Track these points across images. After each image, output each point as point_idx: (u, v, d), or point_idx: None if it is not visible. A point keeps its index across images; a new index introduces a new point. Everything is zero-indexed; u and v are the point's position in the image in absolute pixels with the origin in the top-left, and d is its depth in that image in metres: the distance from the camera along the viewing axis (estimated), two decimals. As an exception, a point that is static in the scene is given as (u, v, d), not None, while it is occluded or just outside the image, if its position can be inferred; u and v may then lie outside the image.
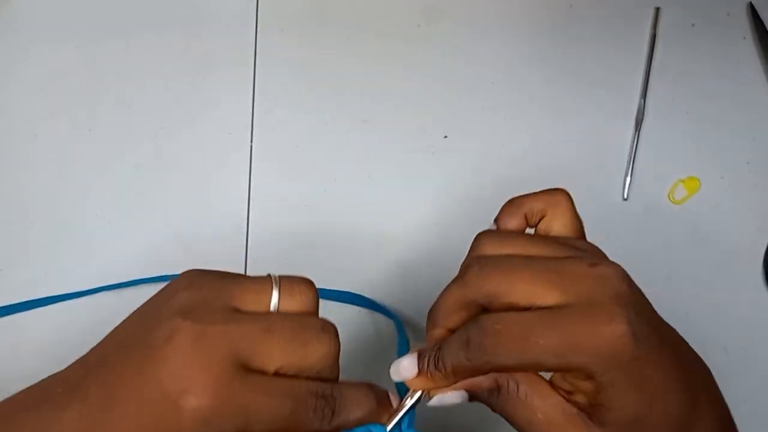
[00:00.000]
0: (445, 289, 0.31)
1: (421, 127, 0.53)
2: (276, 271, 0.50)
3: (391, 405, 0.31)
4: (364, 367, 0.49)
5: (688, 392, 0.28)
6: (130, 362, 0.29)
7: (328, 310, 0.49)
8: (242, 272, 0.50)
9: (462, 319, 0.30)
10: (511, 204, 0.34)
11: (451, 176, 0.52)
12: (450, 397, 0.30)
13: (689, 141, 0.52)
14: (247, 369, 0.28)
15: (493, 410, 0.30)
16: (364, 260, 0.50)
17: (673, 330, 0.31)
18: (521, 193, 0.35)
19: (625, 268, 0.50)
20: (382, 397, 0.31)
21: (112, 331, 0.33)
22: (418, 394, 0.31)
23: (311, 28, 0.55)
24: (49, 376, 0.32)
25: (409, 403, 0.31)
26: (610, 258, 0.50)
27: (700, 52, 0.54)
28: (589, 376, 0.27)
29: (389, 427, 0.30)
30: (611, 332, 0.27)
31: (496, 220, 0.34)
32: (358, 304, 0.49)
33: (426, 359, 0.30)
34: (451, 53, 0.54)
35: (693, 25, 0.54)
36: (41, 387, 0.31)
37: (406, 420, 0.31)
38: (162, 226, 0.51)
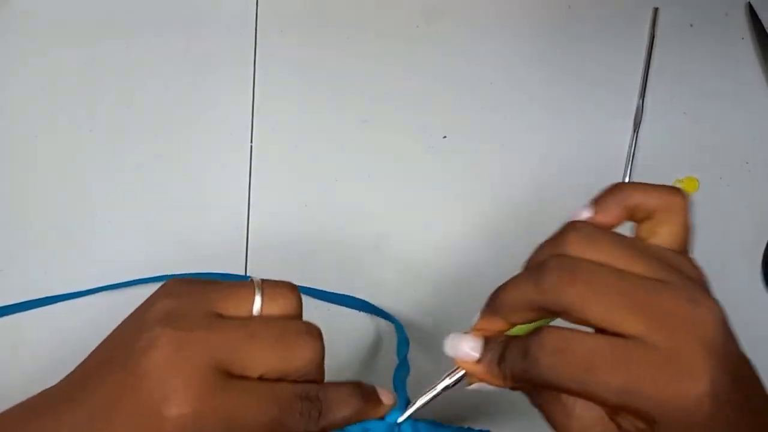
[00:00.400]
0: (515, 280, 0.29)
1: (421, 127, 0.53)
2: (276, 271, 0.50)
3: (380, 401, 0.31)
4: (364, 368, 0.49)
5: None
6: (112, 372, 0.29)
7: (328, 310, 0.49)
8: (242, 272, 0.50)
9: (527, 319, 0.28)
10: (618, 191, 0.30)
11: (451, 176, 0.52)
12: (490, 385, 0.29)
13: (688, 141, 0.52)
14: (229, 375, 0.28)
15: (531, 402, 0.29)
16: (364, 260, 0.50)
17: (764, 391, 0.28)
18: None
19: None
20: (370, 393, 0.31)
21: (98, 345, 0.33)
22: (460, 374, 0.30)
23: (311, 28, 0.55)
24: (37, 394, 0.32)
25: (447, 381, 0.30)
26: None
27: (699, 53, 0.54)
28: (649, 422, 0.25)
29: (424, 400, 0.30)
30: (690, 390, 0.24)
31: (594, 203, 0.30)
32: (355, 308, 0.49)
33: (490, 353, 0.28)
34: (451, 53, 0.54)
35: (692, 25, 0.54)
36: (28, 405, 0.31)
37: (403, 404, 0.31)
38: (162, 226, 0.51)
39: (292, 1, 0.55)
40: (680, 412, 0.24)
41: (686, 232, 0.30)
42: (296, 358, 0.29)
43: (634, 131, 0.52)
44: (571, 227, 0.28)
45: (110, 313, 0.50)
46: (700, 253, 0.50)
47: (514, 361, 0.27)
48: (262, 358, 0.28)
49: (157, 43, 0.54)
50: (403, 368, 0.38)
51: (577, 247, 0.27)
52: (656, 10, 0.54)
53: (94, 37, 0.55)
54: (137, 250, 0.51)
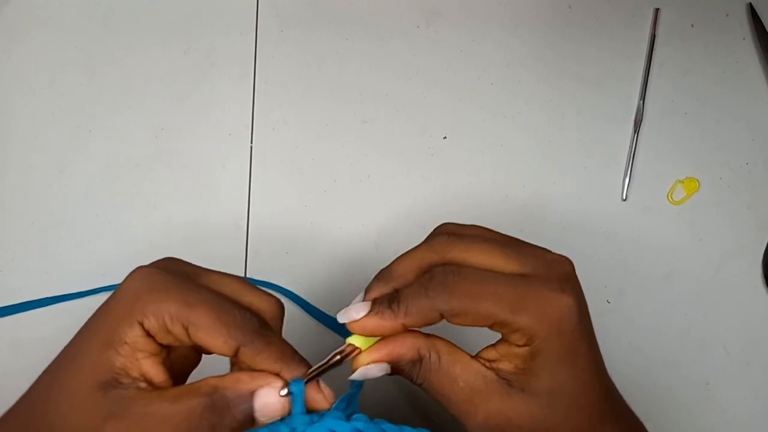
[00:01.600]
0: (408, 252, 0.32)
1: (421, 127, 0.53)
2: (276, 271, 0.50)
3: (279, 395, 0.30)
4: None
5: (605, 388, 0.31)
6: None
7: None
8: (242, 273, 0.50)
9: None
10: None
11: (451, 176, 0.52)
12: (373, 369, 0.31)
13: (688, 141, 0.52)
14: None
15: (414, 382, 0.31)
16: (363, 260, 0.50)
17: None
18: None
19: (624, 268, 0.50)
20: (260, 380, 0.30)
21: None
22: (347, 348, 0.31)
23: (311, 29, 0.55)
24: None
25: (334, 358, 0.31)
26: (611, 256, 0.50)
27: (700, 53, 0.54)
28: (530, 339, 0.29)
29: (307, 378, 0.30)
30: (561, 301, 0.29)
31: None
32: (326, 324, 0.50)
33: (380, 300, 0.30)
34: (451, 53, 0.54)
35: (692, 25, 0.54)
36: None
37: (351, 401, 0.31)
38: (162, 226, 0.51)
39: (292, 1, 0.55)
40: (555, 322, 0.29)
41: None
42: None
43: (635, 131, 0.52)
44: (440, 227, 0.34)
45: (110, 313, 0.50)
46: (701, 253, 0.50)
47: (413, 293, 0.30)
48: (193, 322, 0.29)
49: (157, 43, 0.54)
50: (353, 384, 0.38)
51: (448, 229, 0.33)
52: (657, 10, 0.54)
53: (94, 37, 0.55)
54: (137, 250, 0.51)
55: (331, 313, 0.50)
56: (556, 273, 0.30)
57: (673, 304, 0.50)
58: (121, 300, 0.30)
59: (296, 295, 0.50)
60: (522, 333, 0.29)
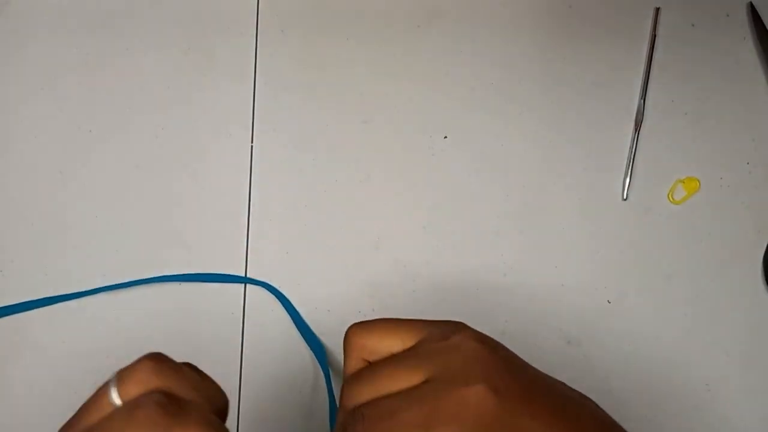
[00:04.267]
0: (335, 423, 0.32)
1: (421, 127, 0.53)
2: (276, 271, 0.50)
3: None
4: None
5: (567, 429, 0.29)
6: None
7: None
8: (242, 273, 0.50)
9: None
10: None
11: (451, 176, 0.52)
12: None
13: (689, 141, 0.52)
14: None
15: None
16: (363, 260, 0.50)
17: (544, 374, 0.32)
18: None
19: (625, 269, 0.50)
20: None
21: None
22: None
23: (312, 28, 0.55)
24: None
25: None
26: (610, 257, 0.50)
27: (700, 53, 0.54)
28: None
29: None
30: (472, 394, 0.28)
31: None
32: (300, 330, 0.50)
33: None
34: (451, 53, 0.54)
35: (693, 25, 0.54)
36: None
37: None
38: (162, 226, 0.51)
39: (292, 1, 0.55)
40: (475, 418, 0.27)
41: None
42: None
43: (635, 131, 0.52)
44: (349, 333, 0.33)
45: (110, 313, 0.50)
46: (701, 253, 0.50)
47: None
48: None
49: (157, 42, 0.54)
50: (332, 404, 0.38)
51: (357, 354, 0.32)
52: (657, 10, 0.54)
53: (94, 37, 0.55)
54: (137, 250, 0.51)
55: (325, 318, 0.50)
56: (459, 361, 0.29)
57: (674, 304, 0.49)
58: None
59: (289, 302, 0.50)
60: None
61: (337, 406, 0.32)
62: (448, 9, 0.55)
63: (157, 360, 0.28)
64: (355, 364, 0.32)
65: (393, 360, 0.31)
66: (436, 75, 0.54)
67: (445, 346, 0.30)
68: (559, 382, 0.32)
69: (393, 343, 0.31)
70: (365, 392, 0.30)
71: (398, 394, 0.29)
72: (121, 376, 0.27)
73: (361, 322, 0.33)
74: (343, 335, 0.33)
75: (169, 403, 0.26)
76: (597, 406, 0.32)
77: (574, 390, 0.32)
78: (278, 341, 0.49)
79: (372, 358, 0.32)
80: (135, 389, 0.27)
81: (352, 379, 0.31)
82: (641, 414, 0.47)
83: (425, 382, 0.29)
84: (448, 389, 0.28)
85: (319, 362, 0.48)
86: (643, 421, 0.47)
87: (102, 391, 0.27)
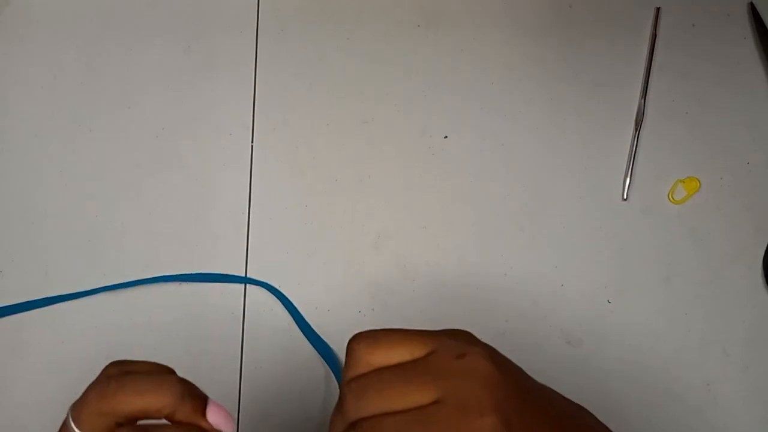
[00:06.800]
0: (330, 424, 0.31)
1: (421, 127, 0.53)
2: (276, 271, 0.50)
3: None
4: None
5: None
6: None
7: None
8: (242, 273, 0.50)
9: None
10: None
11: (451, 176, 0.52)
12: None
13: (689, 141, 0.52)
14: None
15: None
16: (363, 260, 0.50)
17: (548, 389, 0.31)
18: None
19: (625, 269, 0.50)
20: None
21: None
22: None
23: (312, 28, 0.55)
24: None
25: None
26: (611, 256, 0.50)
27: (701, 53, 0.54)
28: None
29: None
30: (483, 426, 0.27)
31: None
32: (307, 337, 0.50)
33: None
34: (451, 53, 0.54)
35: (693, 25, 0.54)
36: None
37: None
38: (162, 226, 0.51)
39: (292, 1, 0.55)
40: None
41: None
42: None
43: (636, 131, 0.52)
44: (353, 343, 0.31)
45: (110, 313, 0.50)
46: (701, 253, 0.50)
47: None
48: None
49: (157, 43, 0.54)
50: None
51: (363, 360, 0.31)
52: (658, 10, 0.54)
53: (94, 37, 0.55)
54: (137, 250, 0.51)
55: (326, 318, 0.50)
56: (472, 386, 0.29)
57: (674, 304, 0.49)
58: None
59: (290, 302, 0.50)
60: None
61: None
62: (448, 9, 0.55)
63: (100, 385, 0.30)
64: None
65: (402, 372, 0.30)
66: (436, 75, 0.54)
67: (458, 367, 0.29)
68: (559, 395, 0.31)
69: (402, 356, 0.30)
70: (372, 404, 0.29)
71: (406, 413, 0.28)
72: (74, 411, 0.30)
73: (367, 333, 0.31)
74: (346, 344, 0.32)
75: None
76: (596, 419, 0.32)
77: (573, 403, 0.32)
78: (278, 341, 0.49)
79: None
80: (90, 421, 0.29)
81: (357, 386, 0.30)
82: (641, 414, 0.47)
83: (435, 402, 0.28)
84: (460, 417, 0.28)
85: (326, 361, 0.48)
86: (643, 421, 0.47)
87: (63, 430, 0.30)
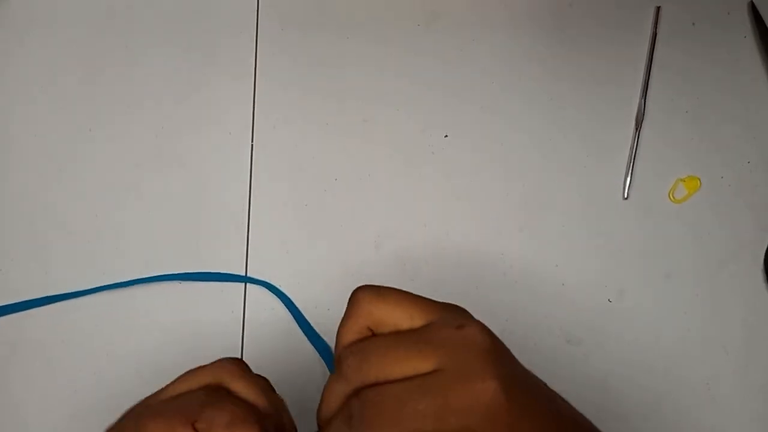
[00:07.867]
0: (326, 388, 0.32)
1: (421, 127, 0.53)
2: (276, 271, 0.50)
3: None
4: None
5: None
6: None
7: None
8: (242, 272, 0.50)
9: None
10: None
11: (452, 175, 0.52)
12: None
13: (689, 140, 0.52)
14: None
15: None
16: (364, 259, 0.50)
17: (535, 376, 0.32)
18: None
19: (625, 268, 0.50)
20: None
21: None
22: None
23: (312, 28, 0.55)
24: None
25: None
26: (611, 255, 0.50)
27: (701, 51, 0.54)
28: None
29: None
30: (485, 390, 0.28)
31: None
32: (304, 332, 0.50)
33: None
34: (451, 53, 0.54)
35: (693, 24, 0.54)
36: None
37: None
38: (162, 224, 0.51)
39: (293, 0, 0.55)
40: (486, 413, 0.28)
41: None
42: None
43: (636, 130, 0.52)
44: (357, 295, 0.32)
45: (110, 313, 0.50)
46: (701, 253, 0.50)
47: (337, 431, 0.30)
48: None
49: (157, 42, 0.54)
50: None
51: (366, 313, 0.31)
52: (658, 8, 0.54)
53: (94, 36, 0.55)
54: (137, 250, 0.51)
55: (325, 317, 0.50)
56: (473, 355, 0.29)
57: (674, 303, 0.49)
58: None
59: (290, 301, 0.50)
60: None
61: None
62: (449, 8, 0.55)
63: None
64: (357, 330, 0.31)
65: (402, 339, 0.30)
66: (436, 74, 0.54)
67: (459, 336, 0.29)
68: (545, 384, 0.32)
69: (402, 318, 0.31)
70: (372, 371, 0.29)
71: (407, 381, 0.29)
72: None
73: (373, 286, 0.32)
74: (350, 295, 0.32)
75: None
76: (592, 424, 0.32)
77: (571, 405, 0.32)
78: (278, 340, 0.49)
79: (377, 328, 0.31)
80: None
81: (358, 349, 0.30)
82: (641, 413, 0.47)
83: (435, 371, 0.29)
84: (461, 383, 0.28)
85: (325, 362, 0.48)
86: (643, 419, 0.47)
87: None
